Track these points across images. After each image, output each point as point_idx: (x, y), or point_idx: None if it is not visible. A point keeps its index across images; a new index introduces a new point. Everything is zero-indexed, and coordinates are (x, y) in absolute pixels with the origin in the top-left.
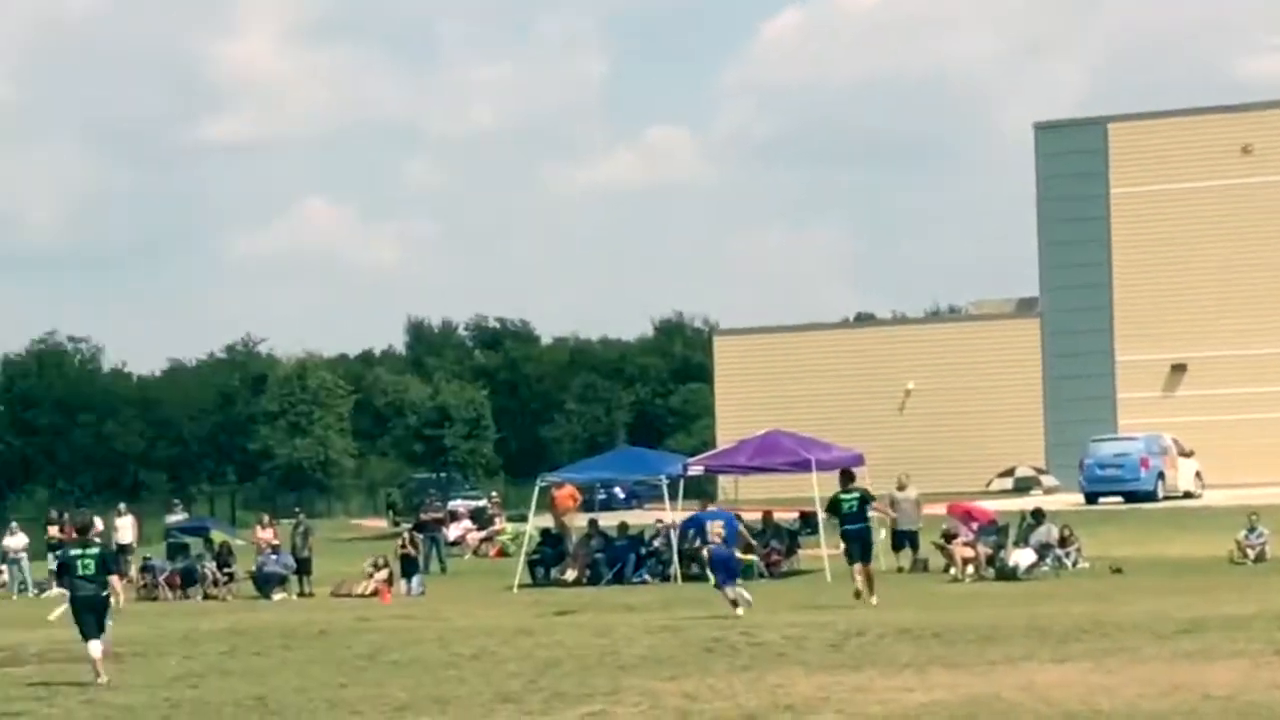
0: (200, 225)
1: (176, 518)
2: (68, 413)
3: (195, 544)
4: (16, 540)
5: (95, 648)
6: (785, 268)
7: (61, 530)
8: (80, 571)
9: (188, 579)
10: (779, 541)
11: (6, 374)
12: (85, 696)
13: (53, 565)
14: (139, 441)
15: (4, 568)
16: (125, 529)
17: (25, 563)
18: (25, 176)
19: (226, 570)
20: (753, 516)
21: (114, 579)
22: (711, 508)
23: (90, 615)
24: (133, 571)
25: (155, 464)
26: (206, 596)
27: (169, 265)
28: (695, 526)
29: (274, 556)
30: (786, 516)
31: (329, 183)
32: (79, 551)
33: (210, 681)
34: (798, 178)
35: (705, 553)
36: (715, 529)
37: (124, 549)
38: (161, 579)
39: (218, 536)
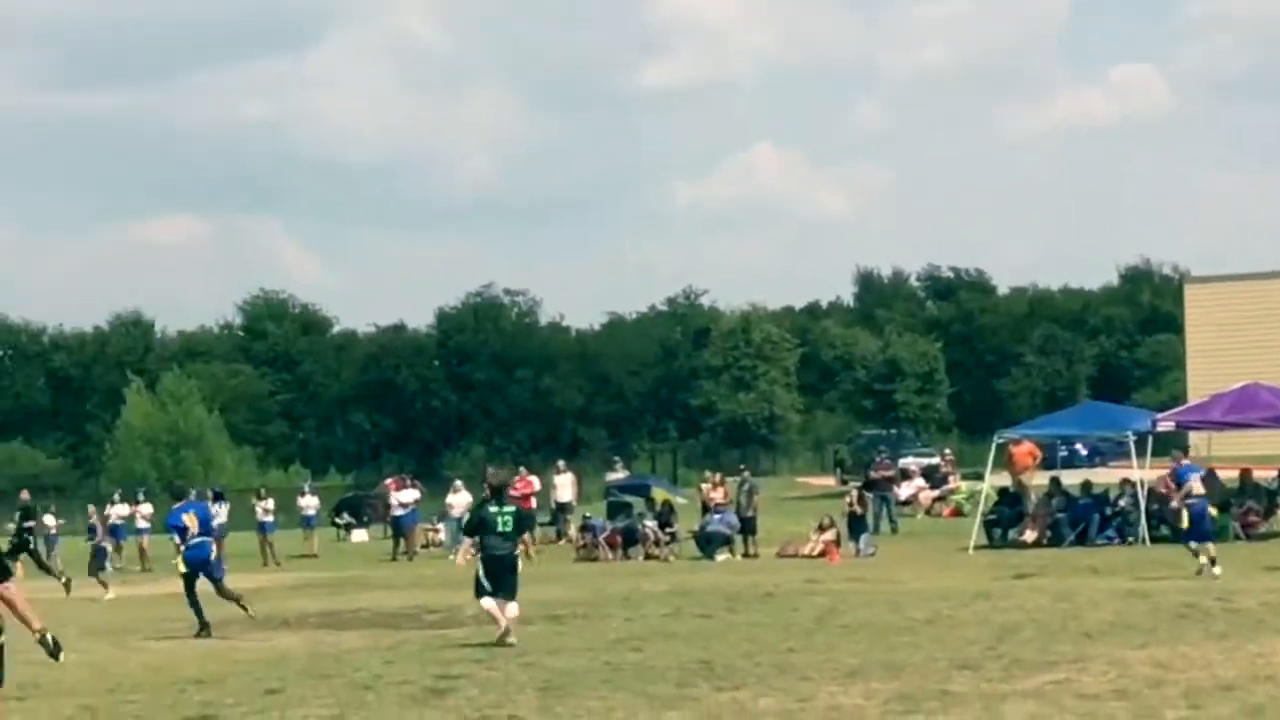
0: (641, 173)
1: (617, 475)
2: (505, 367)
3: (636, 502)
4: (460, 498)
5: (513, 608)
6: (1261, 210)
7: None
8: (500, 528)
9: (628, 538)
10: (1257, 502)
11: (442, 328)
12: (525, 659)
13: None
14: (578, 397)
15: (441, 526)
16: (564, 487)
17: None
18: (461, 126)
19: (668, 530)
20: (1228, 474)
21: (524, 538)
22: (1185, 462)
23: (506, 575)
24: (572, 531)
25: (594, 420)
26: (648, 557)
27: (608, 215)
28: (1179, 481)
29: (717, 516)
30: (1265, 475)
31: (775, 128)
32: (497, 509)
33: (653, 645)
34: (1274, 114)
35: (1184, 510)
36: (1196, 484)
37: (563, 507)
38: (601, 538)
39: (659, 495)
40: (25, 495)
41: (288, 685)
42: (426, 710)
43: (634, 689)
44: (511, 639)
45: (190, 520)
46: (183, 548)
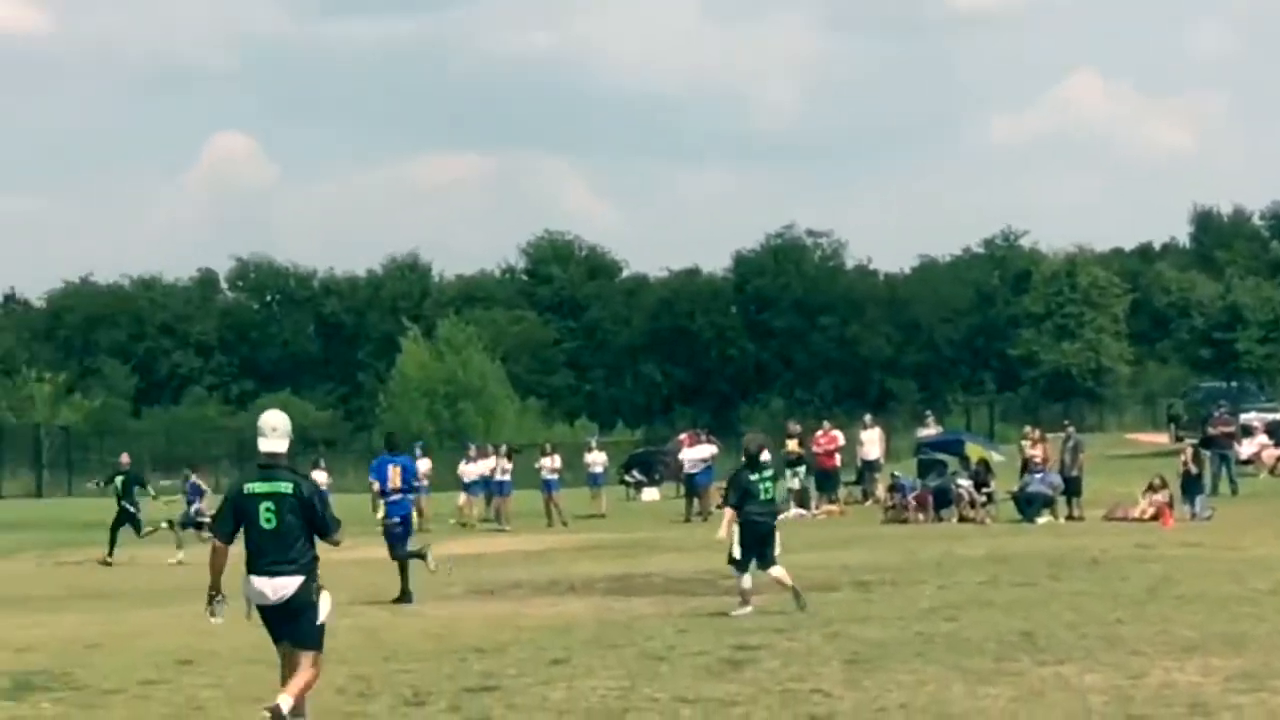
0: (955, 106)
1: (928, 431)
2: (807, 314)
3: (949, 460)
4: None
5: (778, 570)
6: None
7: (800, 444)
8: (763, 496)
9: (941, 499)
10: None
11: (740, 272)
12: (830, 629)
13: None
14: (886, 346)
15: None
16: (871, 443)
17: None
18: (760, 55)
19: (985, 490)
20: None
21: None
22: None
23: (766, 545)
24: (880, 490)
25: (904, 371)
26: (962, 519)
27: (919, 151)
28: None
29: (1038, 475)
30: None
31: (1102, 54)
32: (757, 476)
33: (969, 614)
34: None
35: None
36: None
37: (870, 465)
38: (911, 499)
39: (974, 452)
40: (125, 459)
41: (574, 655)
42: (723, 683)
43: (948, 662)
44: (801, 598)
45: (394, 474)
46: (383, 502)
